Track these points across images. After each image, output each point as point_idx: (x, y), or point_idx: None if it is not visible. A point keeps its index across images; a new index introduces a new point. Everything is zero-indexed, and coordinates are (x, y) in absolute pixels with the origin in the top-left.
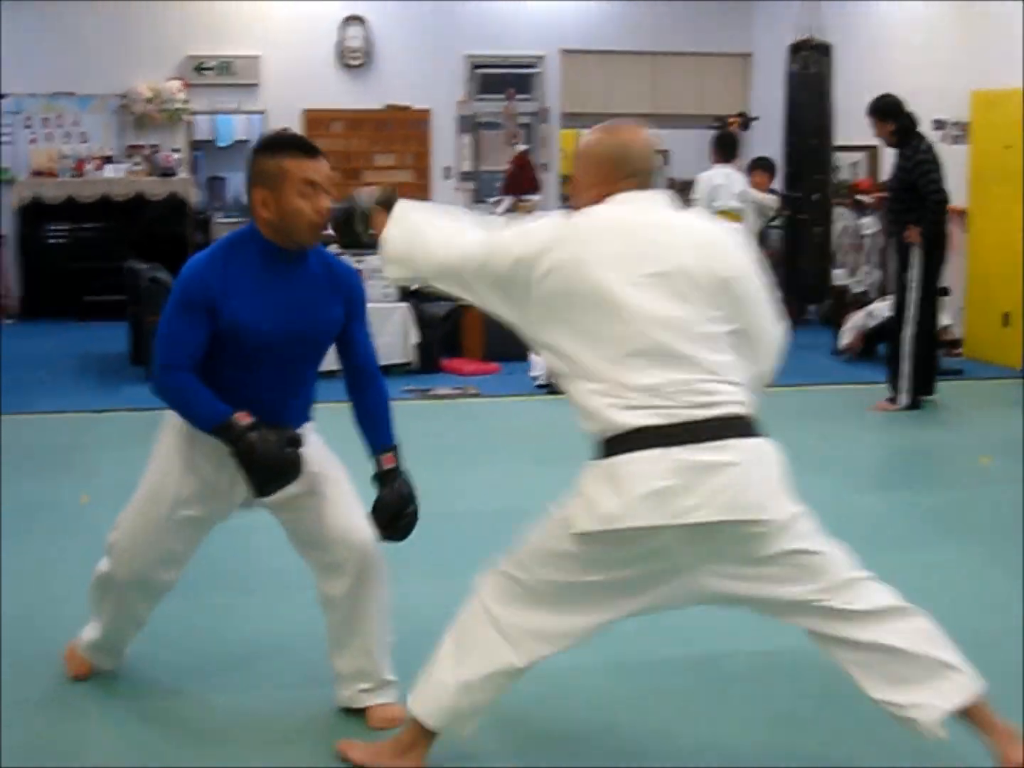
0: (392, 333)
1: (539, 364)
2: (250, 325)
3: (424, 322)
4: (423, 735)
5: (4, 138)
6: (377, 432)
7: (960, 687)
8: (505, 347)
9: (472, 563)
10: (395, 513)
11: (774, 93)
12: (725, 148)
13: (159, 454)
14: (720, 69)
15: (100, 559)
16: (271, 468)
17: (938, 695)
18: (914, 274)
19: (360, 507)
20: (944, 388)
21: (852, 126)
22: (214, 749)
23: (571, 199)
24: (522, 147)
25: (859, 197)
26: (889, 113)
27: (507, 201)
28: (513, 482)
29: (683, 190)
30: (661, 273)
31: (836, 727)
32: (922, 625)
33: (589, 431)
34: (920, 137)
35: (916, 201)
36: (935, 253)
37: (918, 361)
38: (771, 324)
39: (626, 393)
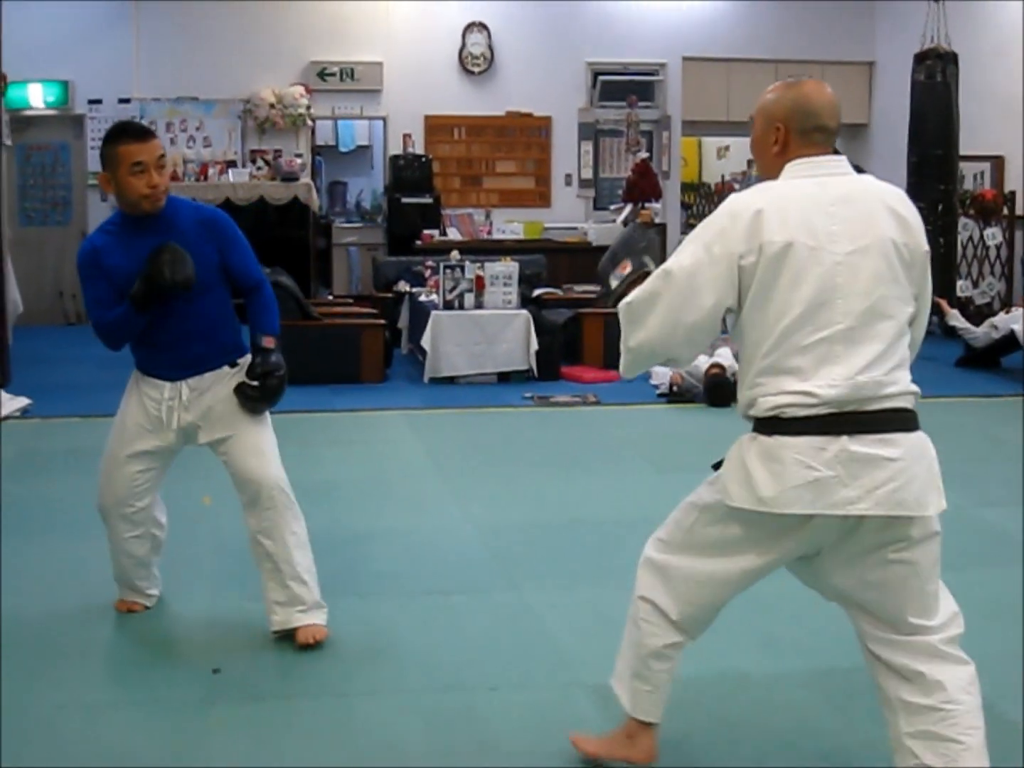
0: (512, 340)
1: (660, 373)
2: (126, 280)
3: (544, 329)
4: (641, 725)
5: None
6: (261, 322)
7: (983, 756)
8: None
9: (593, 571)
10: (265, 373)
11: (897, 102)
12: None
13: (121, 402)
14: (843, 77)
15: None
16: (171, 264)
17: (958, 761)
18: None
19: (273, 451)
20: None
21: (976, 136)
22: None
23: (754, 164)
24: (643, 154)
25: None
26: None
27: (628, 208)
28: (633, 491)
29: None
30: (861, 249)
31: None
32: (972, 687)
33: (759, 406)
34: None
35: None
36: None
37: None
38: (928, 301)
39: (810, 378)
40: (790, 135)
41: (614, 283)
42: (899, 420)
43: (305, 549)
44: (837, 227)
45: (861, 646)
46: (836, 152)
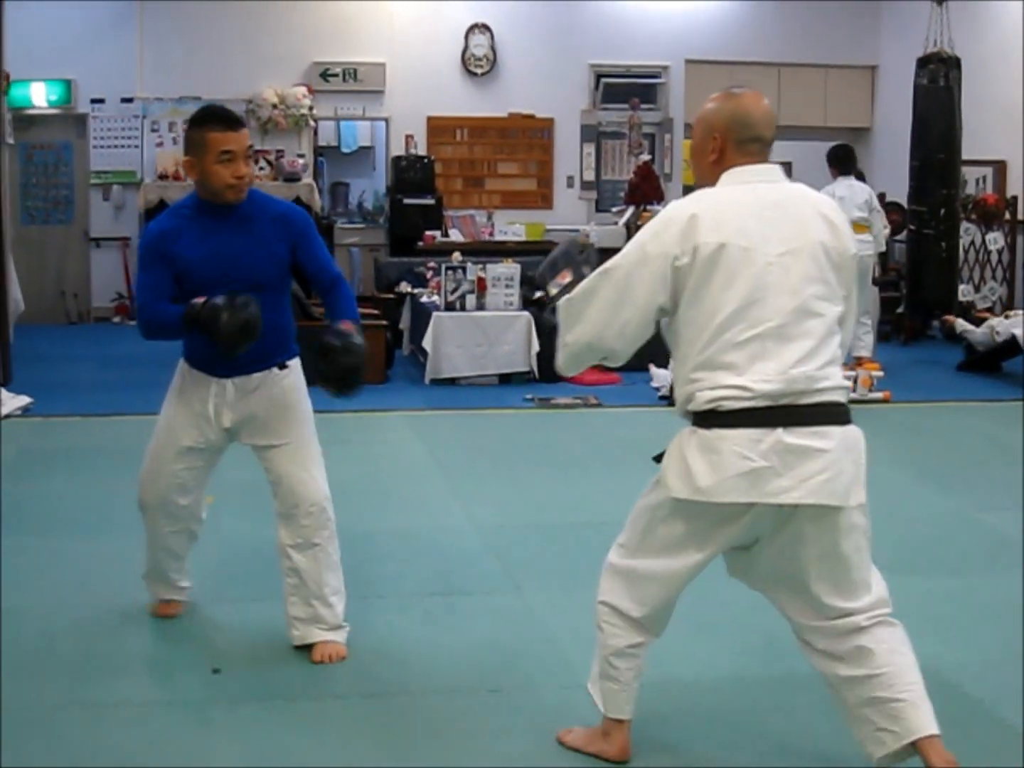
0: (513, 342)
1: (661, 375)
2: (194, 268)
3: (545, 331)
4: (615, 723)
5: (131, 142)
6: (341, 309)
7: (920, 722)
8: None
9: (595, 573)
10: (345, 347)
11: (900, 106)
12: (841, 161)
13: (167, 395)
14: (846, 81)
15: None
16: (233, 330)
17: (902, 724)
18: None
19: (319, 465)
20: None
21: (979, 140)
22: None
23: (691, 170)
24: (645, 157)
25: None
26: None
27: (630, 210)
28: (635, 493)
29: None
30: (792, 251)
31: (958, 749)
32: (900, 646)
33: (697, 400)
34: None
35: None
36: None
37: None
38: (856, 303)
39: (744, 372)
40: (727, 144)
41: (554, 291)
42: (831, 413)
43: (336, 571)
44: (769, 230)
45: (796, 638)
46: (839, 160)
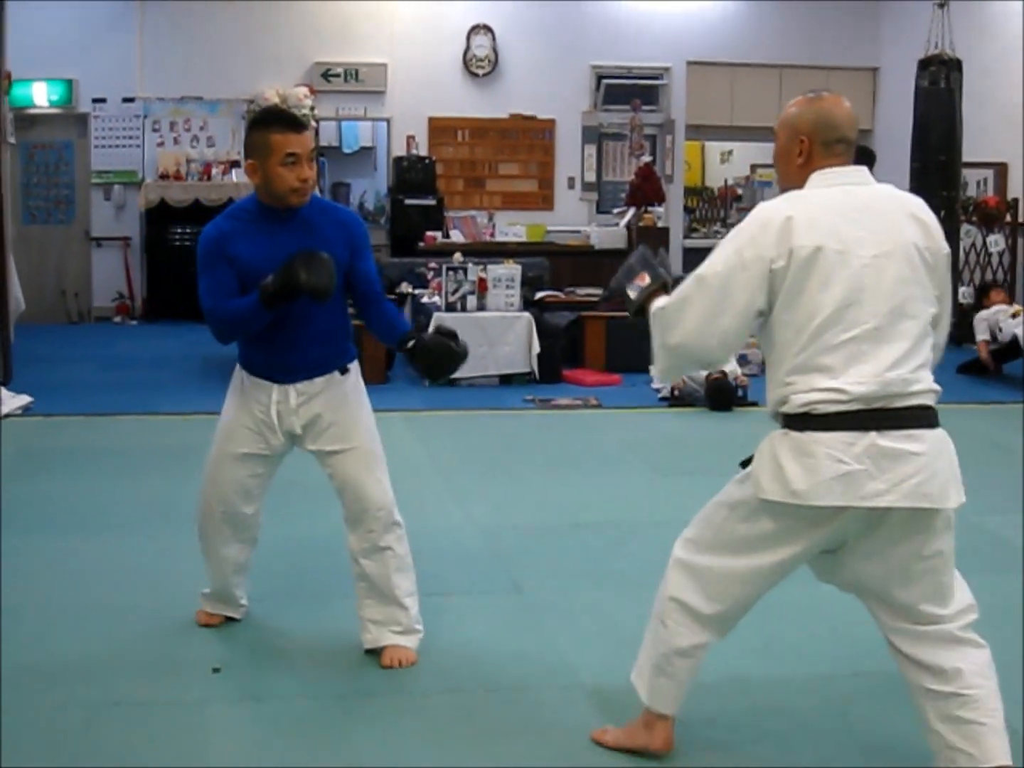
0: (514, 343)
1: None
2: (254, 272)
3: (546, 332)
4: (658, 716)
5: (132, 141)
6: (396, 329)
7: (998, 750)
8: (627, 358)
9: (593, 574)
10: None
11: (901, 108)
12: (859, 162)
13: (226, 401)
14: (847, 83)
15: None
16: (312, 270)
17: (980, 749)
18: None
19: (384, 469)
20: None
21: (980, 142)
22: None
23: (777, 176)
24: (647, 158)
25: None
26: None
27: (631, 212)
28: (635, 494)
29: None
30: (886, 253)
31: None
32: (988, 670)
33: (791, 403)
34: None
35: None
36: None
37: None
38: (949, 303)
39: (840, 375)
40: (814, 147)
41: (633, 294)
42: (923, 417)
43: (408, 572)
44: (863, 232)
45: (884, 639)
46: (859, 162)
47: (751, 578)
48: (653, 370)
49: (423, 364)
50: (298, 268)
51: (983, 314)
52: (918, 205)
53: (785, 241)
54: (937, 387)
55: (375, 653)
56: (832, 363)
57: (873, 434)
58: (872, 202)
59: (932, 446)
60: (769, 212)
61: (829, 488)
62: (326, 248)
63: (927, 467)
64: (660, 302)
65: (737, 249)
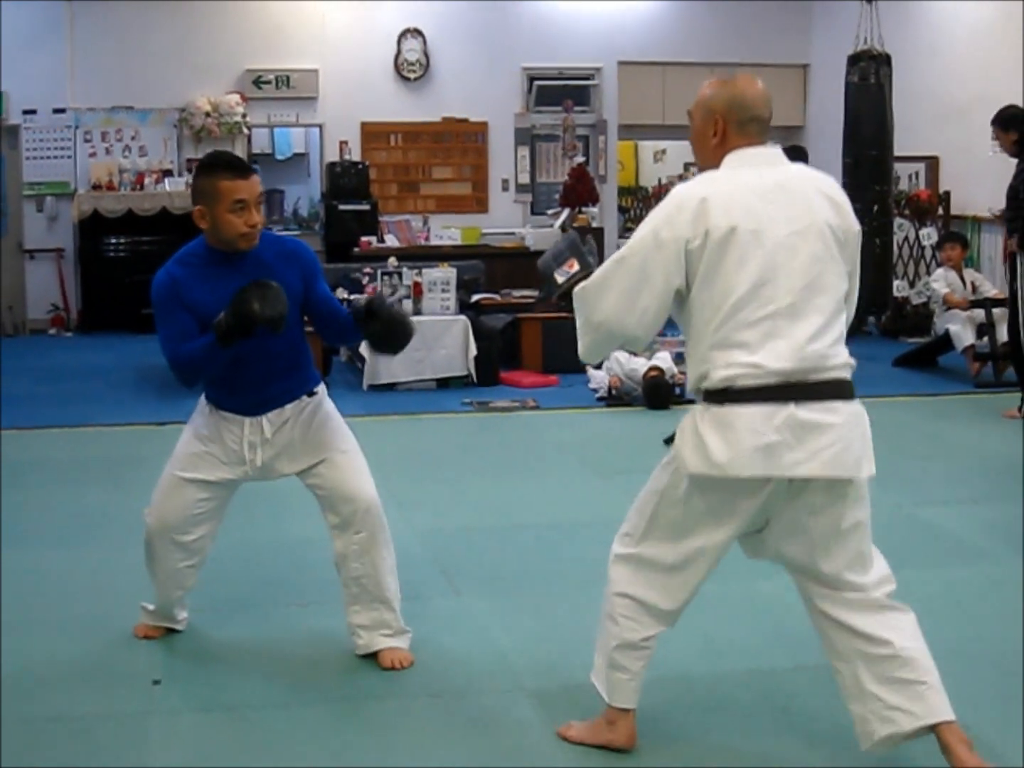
0: (451, 346)
1: (598, 376)
2: (207, 316)
3: (482, 335)
4: (620, 712)
5: (64, 152)
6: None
7: (942, 706)
8: (564, 360)
9: (533, 576)
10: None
11: (832, 103)
12: (792, 161)
13: (188, 430)
14: (778, 79)
15: None
16: (263, 300)
17: (923, 706)
18: (1019, 284)
19: (366, 470)
20: (1006, 400)
21: (911, 136)
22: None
23: (695, 157)
24: (580, 159)
25: (992, 211)
26: (1012, 123)
27: (565, 213)
28: (572, 495)
29: None
30: (799, 231)
31: (902, 745)
32: (917, 632)
33: (711, 378)
34: None
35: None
36: None
37: None
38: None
39: (758, 351)
40: (728, 126)
41: (560, 279)
42: (840, 390)
43: (394, 575)
44: (776, 211)
45: (807, 606)
46: (793, 160)
47: (691, 561)
48: (580, 350)
49: (380, 328)
50: (249, 300)
51: (938, 272)
52: (830, 184)
53: (701, 222)
54: (852, 361)
55: (370, 658)
56: (749, 339)
57: (792, 406)
58: (785, 182)
59: (848, 418)
60: (685, 193)
61: (751, 459)
62: (279, 281)
63: (843, 438)
64: (582, 283)
65: (654, 230)
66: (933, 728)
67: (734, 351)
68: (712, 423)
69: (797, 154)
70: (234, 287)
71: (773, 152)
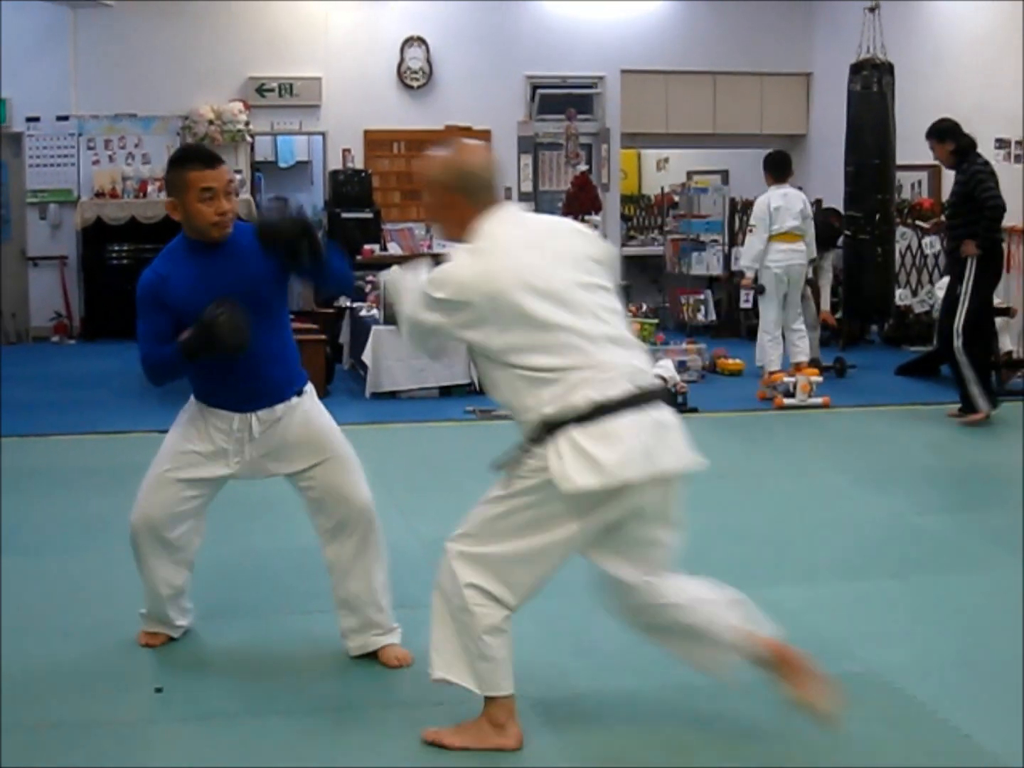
0: (453, 354)
1: None
2: (191, 309)
3: None
4: (502, 708)
5: (67, 160)
6: (345, 265)
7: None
8: None
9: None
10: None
11: (834, 112)
12: (778, 168)
13: (175, 428)
14: (781, 88)
15: None
16: (225, 329)
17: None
18: (968, 286)
19: (360, 473)
20: (1008, 409)
21: (913, 145)
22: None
23: (444, 226)
24: (583, 167)
25: (919, 223)
26: (947, 134)
27: None
28: None
29: (744, 210)
30: (571, 266)
31: (903, 750)
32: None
33: (576, 408)
34: (976, 154)
35: (972, 215)
36: (990, 265)
37: (975, 365)
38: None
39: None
40: (482, 193)
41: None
42: (666, 396)
43: (384, 574)
44: (550, 255)
45: (623, 608)
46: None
47: (543, 556)
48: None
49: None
50: (213, 326)
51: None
52: (571, 223)
53: (484, 286)
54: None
55: (368, 660)
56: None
57: (651, 411)
58: (549, 227)
59: (672, 416)
60: (464, 268)
61: (634, 462)
62: (255, 265)
63: (680, 435)
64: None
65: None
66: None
67: (594, 369)
68: (591, 438)
69: (779, 159)
70: (214, 275)
71: (515, 205)
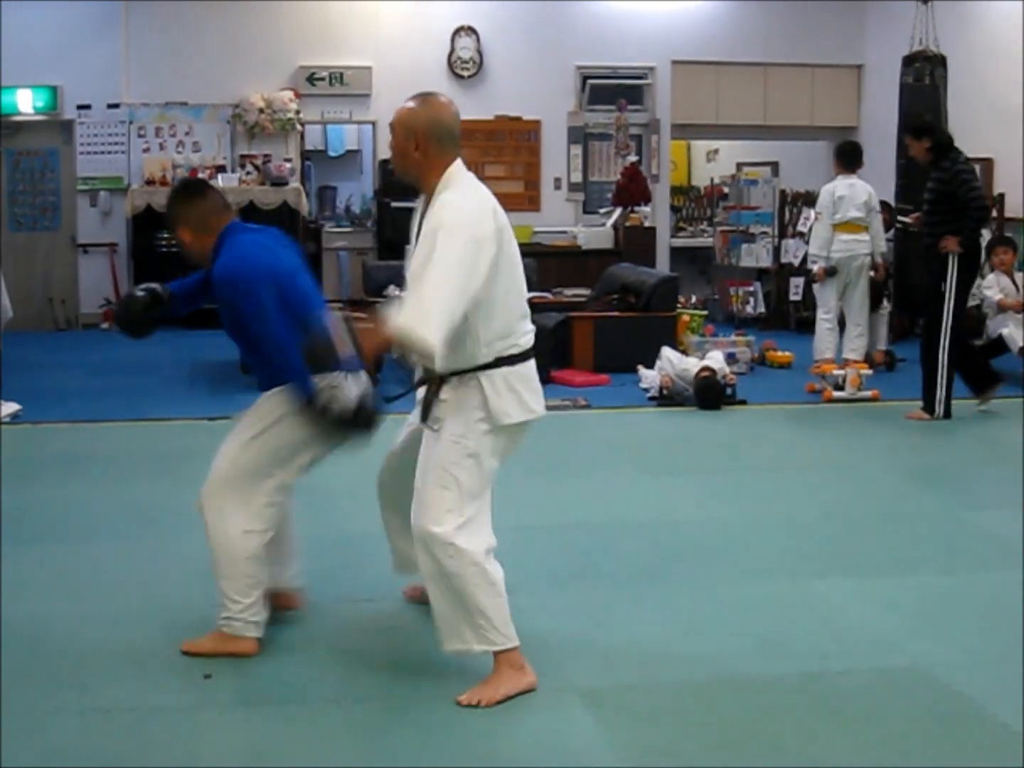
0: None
1: (649, 376)
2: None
3: (542, 331)
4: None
5: (118, 147)
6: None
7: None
8: (615, 359)
9: (583, 574)
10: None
11: (886, 104)
12: (848, 158)
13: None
14: (832, 80)
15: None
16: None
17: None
18: (951, 284)
19: (235, 440)
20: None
21: (965, 138)
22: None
23: (413, 175)
24: (633, 158)
25: (901, 219)
26: (924, 131)
27: (617, 212)
28: (624, 494)
29: (794, 201)
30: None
31: (950, 748)
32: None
33: (516, 346)
34: (956, 151)
35: (953, 212)
36: (972, 263)
37: (951, 371)
38: None
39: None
40: (449, 146)
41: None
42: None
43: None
44: (503, 219)
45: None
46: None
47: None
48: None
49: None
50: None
51: (990, 278)
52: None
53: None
54: None
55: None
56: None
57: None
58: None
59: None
60: (473, 205)
61: (539, 403)
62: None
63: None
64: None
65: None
66: None
67: (524, 322)
68: (518, 379)
69: (848, 149)
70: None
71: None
